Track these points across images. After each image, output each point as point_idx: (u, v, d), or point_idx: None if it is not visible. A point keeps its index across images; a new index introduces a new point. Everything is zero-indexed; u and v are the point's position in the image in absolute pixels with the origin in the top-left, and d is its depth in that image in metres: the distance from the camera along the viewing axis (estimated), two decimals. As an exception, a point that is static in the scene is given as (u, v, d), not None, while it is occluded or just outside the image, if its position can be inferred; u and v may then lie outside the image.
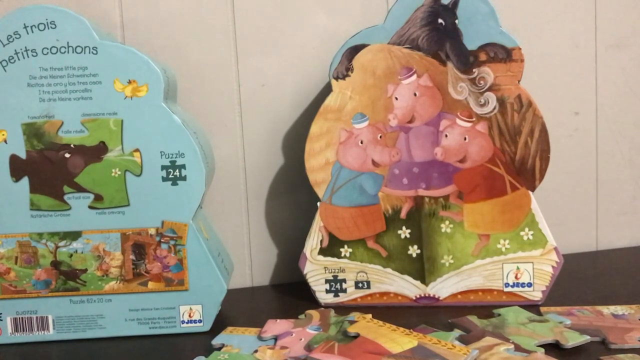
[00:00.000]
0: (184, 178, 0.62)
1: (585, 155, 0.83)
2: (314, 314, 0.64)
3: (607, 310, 0.62)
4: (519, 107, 0.64)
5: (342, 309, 0.66)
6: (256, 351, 0.57)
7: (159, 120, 0.61)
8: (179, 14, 0.74)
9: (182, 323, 0.64)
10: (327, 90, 0.68)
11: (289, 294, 0.67)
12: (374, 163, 0.66)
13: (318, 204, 0.68)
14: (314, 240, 0.68)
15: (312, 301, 0.69)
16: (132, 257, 0.63)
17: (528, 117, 0.64)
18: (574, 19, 0.80)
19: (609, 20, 0.81)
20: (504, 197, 0.65)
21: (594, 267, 0.78)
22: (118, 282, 0.63)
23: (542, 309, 0.63)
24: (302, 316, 0.64)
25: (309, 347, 0.56)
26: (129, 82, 0.61)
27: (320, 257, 0.68)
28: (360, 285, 0.68)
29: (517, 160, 0.65)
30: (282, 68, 0.76)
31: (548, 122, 0.64)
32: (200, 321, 0.64)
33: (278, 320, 0.63)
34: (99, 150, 0.62)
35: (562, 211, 0.83)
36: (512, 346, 0.54)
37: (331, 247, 0.68)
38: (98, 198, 0.62)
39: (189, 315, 0.64)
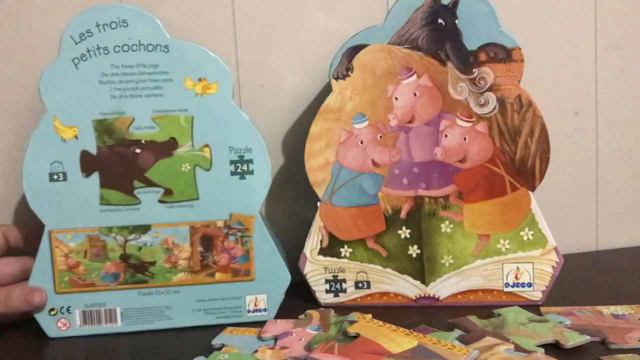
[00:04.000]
0: (251, 172, 0.64)
1: (585, 155, 0.83)
2: (314, 314, 0.64)
3: (607, 310, 0.62)
4: (519, 107, 0.64)
5: (342, 309, 0.66)
6: (256, 351, 0.57)
7: (227, 116, 0.63)
8: (178, 14, 0.74)
9: (248, 312, 0.65)
10: (327, 90, 0.67)
11: (289, 294, 0.67)
12: (374, 163, 0.66)
13: (318, 204, 0.68)
14: (314, 240, 0.68)
15: (312, 301, 0.69)
16: (200, 249, 0.64)
17: (528, 117, 0.64)
18: (574, 19, 0.80)
19: (609, 20, 0.81)
20: (504, 197, 0.65)
21: (594, 267, 0.78)
22: (186, 273, 0.64)
23: (542, 309, 0.63)
24: (302, 316, 0.64)
25: (309, 347, 0.56)
26: (200, 79, 0.62)
27: (320, 257, 0.68)
28: (360, 285, 0.68)
29: (517, 160, 0.65)
30: (282, 68, 0.76)
31: (548, 122, 0.64)
32: (265, 310, 0.65)
33: (278, 320, 0.63)
34: (169, 146, 0.63)
35: (562, 211, 0.83)
36: (512, 346, 0.54)
37: (331, 247, 0.68)
38: (168, 192, 0.63)
39: (255, 305, 0.65)
